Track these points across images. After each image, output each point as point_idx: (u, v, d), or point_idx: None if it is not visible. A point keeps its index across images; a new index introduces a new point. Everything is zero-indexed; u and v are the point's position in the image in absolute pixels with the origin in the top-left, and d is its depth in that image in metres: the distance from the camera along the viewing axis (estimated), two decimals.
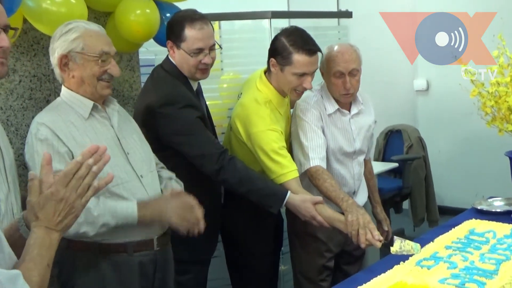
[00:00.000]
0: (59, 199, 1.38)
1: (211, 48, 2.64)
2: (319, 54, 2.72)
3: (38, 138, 2.11)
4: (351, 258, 2.97)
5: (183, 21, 2.60)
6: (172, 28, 2.63)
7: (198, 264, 2.79)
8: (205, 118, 2.70)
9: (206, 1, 3.47)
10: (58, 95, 2.63)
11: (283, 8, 6.35)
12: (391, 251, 2.27)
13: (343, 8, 4.82)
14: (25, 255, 1.35)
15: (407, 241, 2.29)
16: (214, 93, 3.52)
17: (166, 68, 2.67)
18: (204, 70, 2.66)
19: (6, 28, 1.89)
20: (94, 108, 2.22)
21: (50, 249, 1.38)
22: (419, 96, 6.08)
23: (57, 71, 2.22)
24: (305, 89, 2.71)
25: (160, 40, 2.87)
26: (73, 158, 2.07)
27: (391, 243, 2.28)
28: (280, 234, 3.13)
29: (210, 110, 2.92)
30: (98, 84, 2.20)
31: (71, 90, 2.22)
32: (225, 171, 2.55)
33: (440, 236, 2.55)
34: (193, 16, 2.60)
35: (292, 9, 6.41)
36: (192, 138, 2.56)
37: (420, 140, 5.37)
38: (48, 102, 2.61)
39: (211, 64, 2.69)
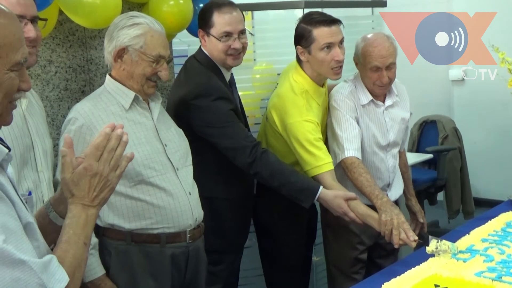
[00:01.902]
0: (93, 173, 1.36)
1: (241, 34, 2.64)
2: (341, 26, 2.70)
3: (71, 125, 2.15)
4: (384, 251, 2.94)
5: (211, 8, 2.62)
6: (202, 16, 2.65)
7: (230, 253, 2.80)
8: (238, 110, 2.70)
9: None
10: (93, 86, 2.67)
11: None
12: (427, 251, 2.23)
13: None
14: (62, 235, 1.33)
15: (444, 240, 2.25)
16: (247, 83, 3.52)
17: (199, 59, 2.68)
18: (236, 56, 2.65)
19: (34, 19, 1.91)
20: (136, 99, 2.23)
21: (86, 227, 1.35)
22: (455, 86, 5.99)
23: (109, 58, 2.23)
24: (339, 62, 2.67)
25: (193, 30, 2.88)
26: None
27: (426, 243, 2.25)
28: (313, 226, 3.12)
29: (243, 101, 2.92)
30: (146, 83, 2.22)
31: (117, 80, 2.23)
32: (258, 164, 2.54)
33: (476, 229, 2.51)
34: (221, 2, 2.63)
35: None
36: (225, 130, 2.56)
37: (456, 130, 5.28)
38: (83, 92, 2.64)
39: (243, 51, 2.69)
